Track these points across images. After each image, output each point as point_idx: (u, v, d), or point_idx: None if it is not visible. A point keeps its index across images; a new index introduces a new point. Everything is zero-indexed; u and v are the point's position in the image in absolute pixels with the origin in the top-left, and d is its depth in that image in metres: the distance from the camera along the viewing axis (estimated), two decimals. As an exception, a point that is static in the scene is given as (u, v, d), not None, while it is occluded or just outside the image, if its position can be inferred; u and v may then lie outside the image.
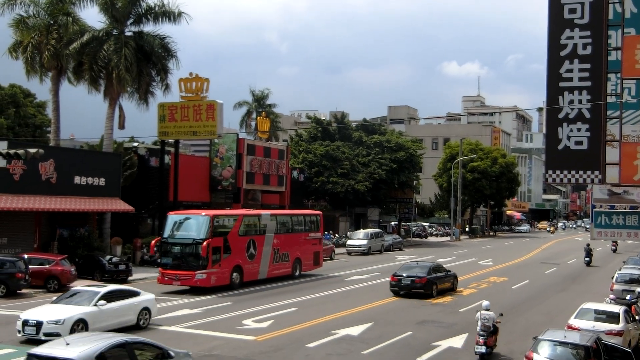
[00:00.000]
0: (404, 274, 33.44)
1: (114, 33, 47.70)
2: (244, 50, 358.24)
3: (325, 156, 73.41)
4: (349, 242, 62.71)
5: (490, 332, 20.53)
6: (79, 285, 34.42)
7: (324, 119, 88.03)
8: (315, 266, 42.63)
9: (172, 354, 15.46)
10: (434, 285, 33.32)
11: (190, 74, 49.20)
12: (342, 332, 23.88)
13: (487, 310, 20.86)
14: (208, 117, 48.08)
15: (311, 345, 21.83)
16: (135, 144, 52.92)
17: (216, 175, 57.54)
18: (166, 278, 33.35)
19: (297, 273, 40.24)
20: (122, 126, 49.03)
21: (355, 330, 24.07)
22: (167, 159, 51.05)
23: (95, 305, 22.76)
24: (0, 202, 35.46)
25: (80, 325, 21.85)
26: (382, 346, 22.08)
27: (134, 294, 24.80)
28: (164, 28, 50.76)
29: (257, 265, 36.77)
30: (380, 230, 71.69)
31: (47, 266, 33.44)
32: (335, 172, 72.68)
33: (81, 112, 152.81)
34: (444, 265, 38.15)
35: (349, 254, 60.42)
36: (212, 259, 32.90)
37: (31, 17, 47.64)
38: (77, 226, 42.51)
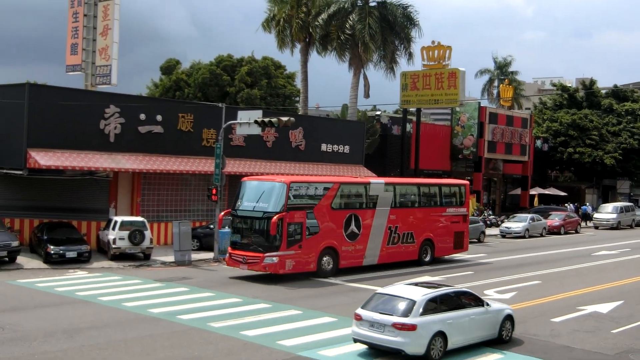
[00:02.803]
0: None
1: (359, 4, 48.92)
2: (486, 15, 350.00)
3: (571, 125, 70.06)
4: (596, 215, 59.70)
5: None
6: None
7: (569, 86, 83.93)
8: (457, 250, 33.76)
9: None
10: None
11: (433, 42, 49.23)
12: (589, 308, 22.83)
13: None
14: (450, 85, 47.86)
15: (556, 319, 21.13)
16: (378, 113, 54.15)
17: (457, 143, 57.27)
18: (233, 259, 26.78)
19: (427, 258, 31.75)
20: (367, 95, 50.39)
21: (603, 308, 22.92)
22: (408, 127, 51.63)
23: None
24: (255, 167, 38.08)
25: None
26: (634, 326, 20.81)
27: None
28: (406, -3, 50.74)
29: (361, 247, 28.76)
30: (631, 204, 67.30)
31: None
32: (582, 141, 69.11)
33: (325, 82, 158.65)
34: None
35: (596, 227, 57.63)
36: (289, 239, 25.65)
37: (284, -8, 50.33)
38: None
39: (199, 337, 17.35)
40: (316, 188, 27.31)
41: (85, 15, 37.28)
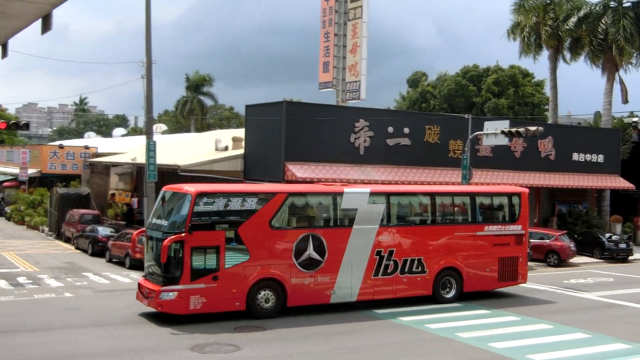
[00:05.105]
0: None
1: (612, 5, 46.49)
2: None
3: None
4: None
5: None
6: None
7: None
8: (506, 282, 24.77)
9: None
10: None
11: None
12: None
13: None
14: None
15: None
16: (635, 119, 50.91)
17: None
18: (140, 292, 20.70)
19: (450, 294, 23.34)
20: (625, 100, 47.74)
21: None
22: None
23: None
24: (503, 178, 37.56)
25: None
26: None
27: None
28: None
29: (327, 279, 21.22)
30: None
31: (547, 241, 34.47)
32: None
33: (576, 89, 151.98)
34: None
35: None
36: (194, 268, 19.18)
37: (529, -1, 49.40)
38: (575, 203, 42.79)
39: (447, 347, 17.54)
40: (244, 200, 20.31)
41: (335, 34, 39.09)
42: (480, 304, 23.26)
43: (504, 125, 30.78)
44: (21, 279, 26.38)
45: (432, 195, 23.81)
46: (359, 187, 23.74)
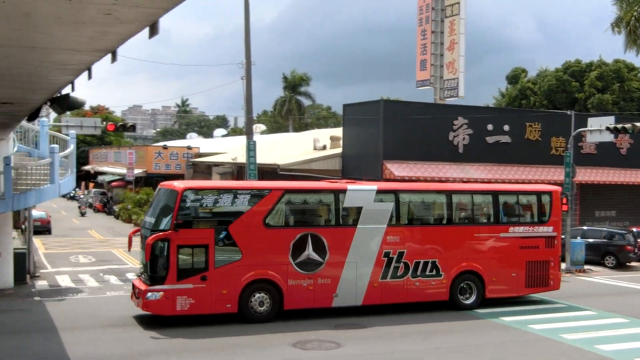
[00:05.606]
0: None
1: None
2: None
3: None
4: None
5: None
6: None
7: None
8: (535, 288, 22.66)
9: None
10: None
11: None
12: None
13: None
14: None
15: None
16: None
17: None
18: (133, 292, 20.08)
19: (469, 300, 21.59)
20: None
21: None
22: None
23: None
24: (609, 176, 36.44)
25: None
26: None
27: None
28: None
29: (328, 281, 19.90)
30: None
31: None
32: None
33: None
34: None
35: None
36: (181, 268, 18.42)
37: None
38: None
39: (552, 347, 17.19)
40: (235, 197, 19.28)
41: (432, 32, 38.88)
42: (586, 304, 22.67)
43: (609, 121, 29.81)
44: (130, 275, 27.39)
45: (447, 193, 22.01)
46: (365, 184, 22.20)
